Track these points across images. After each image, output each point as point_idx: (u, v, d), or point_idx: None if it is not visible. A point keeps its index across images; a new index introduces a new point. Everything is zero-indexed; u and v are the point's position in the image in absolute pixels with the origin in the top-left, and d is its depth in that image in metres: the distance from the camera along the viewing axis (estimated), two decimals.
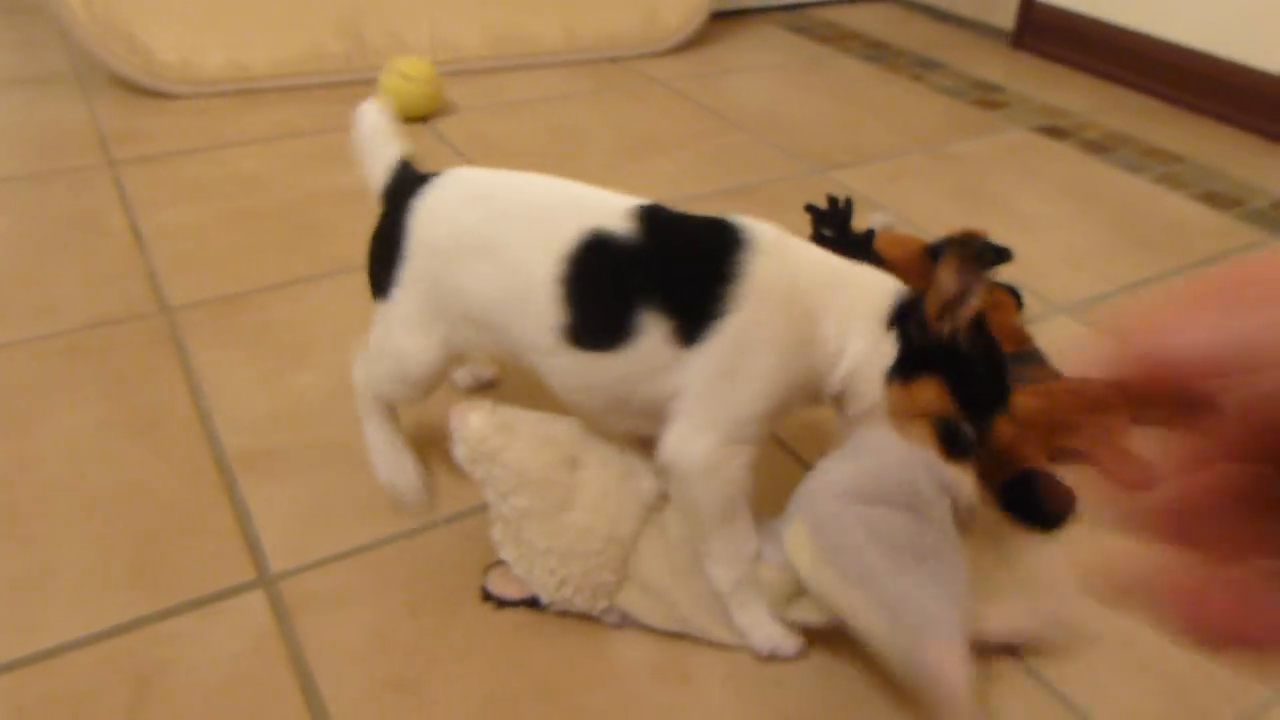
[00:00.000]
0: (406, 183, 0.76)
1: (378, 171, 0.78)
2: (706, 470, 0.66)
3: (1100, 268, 1.24)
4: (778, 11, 2.28)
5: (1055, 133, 1.66)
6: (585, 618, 0.72)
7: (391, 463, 0.81)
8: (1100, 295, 1.18)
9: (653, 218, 0.68)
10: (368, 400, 0.81)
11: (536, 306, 0.67)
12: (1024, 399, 0.91)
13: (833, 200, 1.02)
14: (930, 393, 0.66)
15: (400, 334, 0.74)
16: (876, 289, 0.69)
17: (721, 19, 2.12)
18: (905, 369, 0.66)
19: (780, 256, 0.67)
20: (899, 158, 1.53)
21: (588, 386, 0.69)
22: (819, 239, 1.01)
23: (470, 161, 1.43)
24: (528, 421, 0.70)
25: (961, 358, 0.66)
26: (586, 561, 0.68)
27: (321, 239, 1.21)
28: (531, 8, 1.81)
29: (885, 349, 0.67)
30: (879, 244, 1.02)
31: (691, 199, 1.35)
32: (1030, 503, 0.83)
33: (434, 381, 0.77)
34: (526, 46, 1.81)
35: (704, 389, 0.65)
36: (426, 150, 1.46)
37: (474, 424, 0.68)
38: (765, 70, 1.90)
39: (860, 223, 1.04)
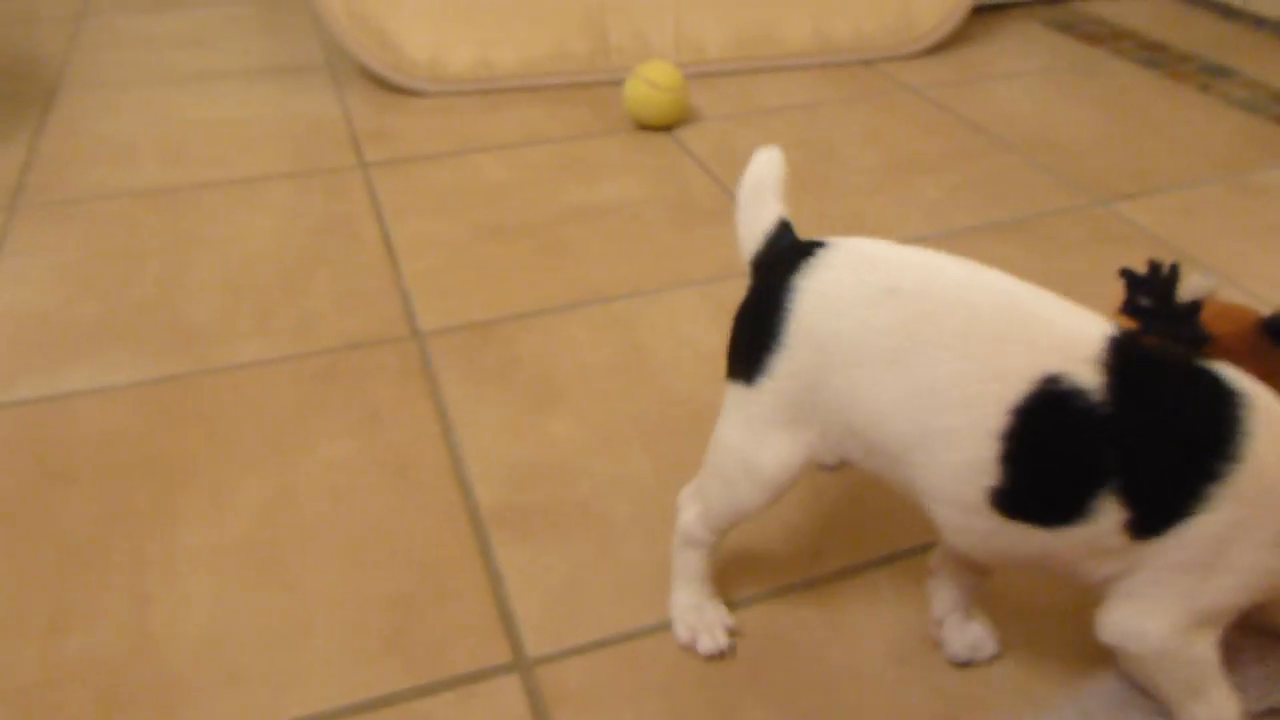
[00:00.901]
0: (788, 253, 0.64)
1: (753, 233, 0.67)
2: (1167, 654, 0.56)
3: None
4: (1039, 6, 2.09)
5: None
6: None
7: (697, 624, 0.71)
8: None
9: (1124, 363, 0.54)
10: (689, 536, 0.70)
11: (964, 456, 0.55)
12: None
13: (1154, 266, 0.89)
14: None
15: (759, 429, 0.63)
16: None
17: (976, 15, 1.96)
18: None
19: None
20: (1191, 188, 1.36)
21: (1004, 550, 0.58)
22: (1132, 310, 0.89)
23: (715, 175, 1.36)
24: None
25: None
26: None
27: (570, 261, 1.18)
28: (781, 5, 1.71)
29: None
30: (1208, 318, 0.88)
31: (960, 234, 1.24)
32: None
33: (782, 490, 0.65)
34: (774, 48, 1.72)
35: (1164, 577, 0.55)
36: (669, 163, 1.41)
37: None
38: (1028, 76, 1.74)
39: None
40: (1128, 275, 0.91)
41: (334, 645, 0.72)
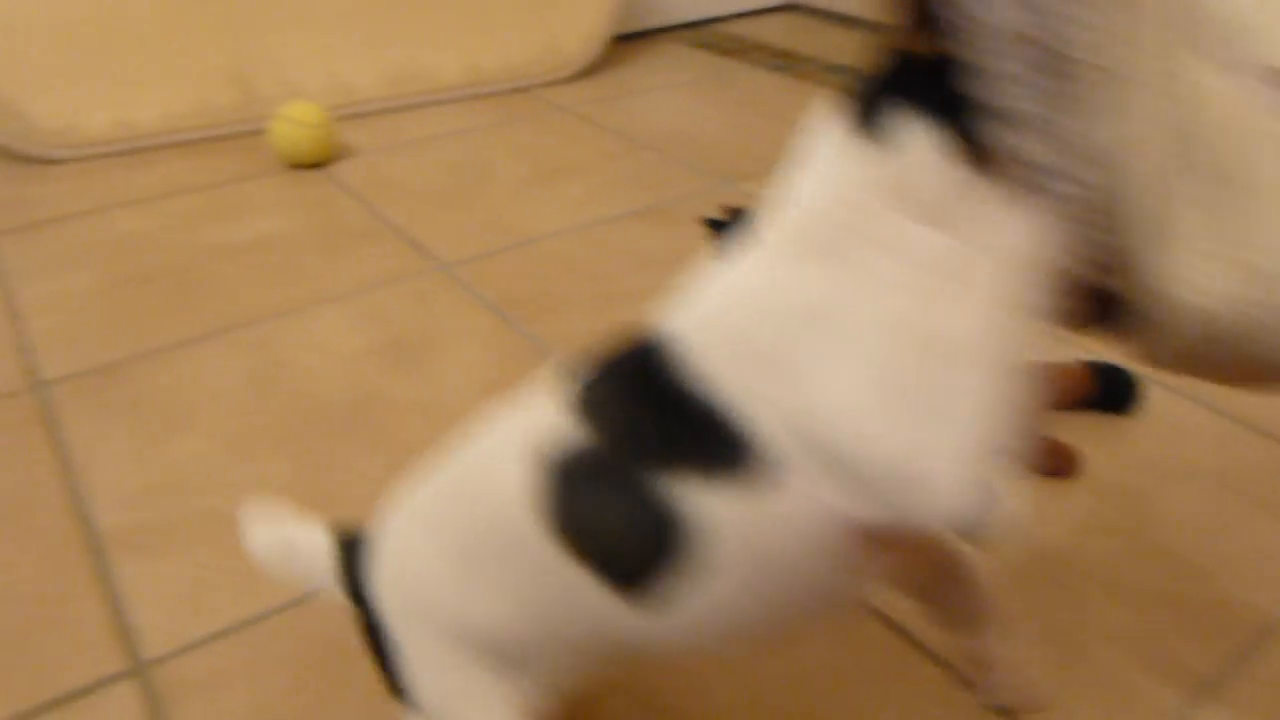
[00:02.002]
0: (352, 565, 0.56)
1: (324, 573, 0.57)
2: None
3: None
4: (682, 29, 2.26)
5: None
6: None
7: None
8: None
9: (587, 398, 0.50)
10: None
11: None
12: None
13: (732, 210, 0.99)
14: None
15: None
16: None
17: (626, 40, 2.10)
18: None
19: None
20: None
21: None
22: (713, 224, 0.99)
23: (367, 201, 1.38)
24: None
25: None
26: None
27: (210, 297, 1.16)
28: (429, 43, 1.77)
29: None
30: None
31: (602, 222, 1.32)
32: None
33: None
34: (426, 84, 1.77)
35: None
36: (321, 196, 1.41)
37: None
38: (671, 89, 1.87)
39: None
40: (711, 223, 1.00)
41: None
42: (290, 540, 0.58)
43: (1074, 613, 0.72)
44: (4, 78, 1.51)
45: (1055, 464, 0.85)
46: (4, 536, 0.81)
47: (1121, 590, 0.73)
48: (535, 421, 0.50)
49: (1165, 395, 0.95)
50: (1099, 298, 0.48)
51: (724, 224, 0.99)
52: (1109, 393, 0.92)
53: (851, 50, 2.09)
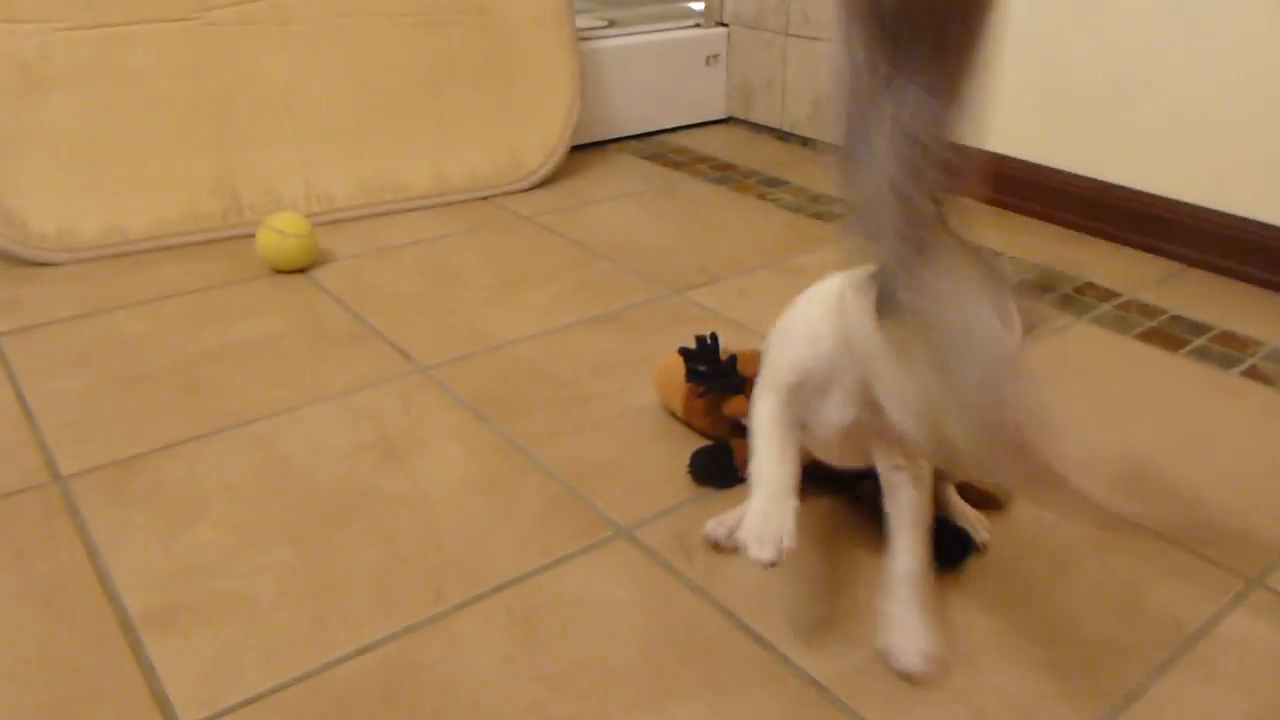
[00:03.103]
0: None
1: None
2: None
3: None
4: (631, 140, 2.45)
5: None
6: None
7: (759, 530, 0.80)
8: None
9: None
10: (763, 419, 0.89)
11: None
12: None
13: (700, 339, 1.14)
14: None
15: None
16: None
17: (581, 150, 2.28)
18: None
19: None
20: (747, 274, 1.68)
21: None
22: (693, 377, 1.13)
23: (348, 306, 1.51)
24: None
25: None
26: None
27: (211, 396, 1.27)
28: (401, 154, 1.92)
29: None
30: (740, 364, 1.14)
31: (564, 328, 1.46)
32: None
33: None
34: (398, 193, 1.92)
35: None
36: (305, 300, 1.54)
37: None
38: (623, 199, 2.04)
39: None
40: (684, 352, 1.16)
41: None
42: None
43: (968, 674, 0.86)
44: (3, 188, 1.63)
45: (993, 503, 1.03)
46: (43, 617, 0.91)
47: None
48: None
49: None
50: None
51: (696, 353, 1.13)
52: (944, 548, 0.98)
53: (787, 163, 2.29)
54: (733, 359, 1.15)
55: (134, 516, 1.05)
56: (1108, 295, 1.60)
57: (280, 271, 1.63)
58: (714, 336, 1.17)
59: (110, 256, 1.69)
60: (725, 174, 2.22)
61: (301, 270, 1.64)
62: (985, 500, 1.05)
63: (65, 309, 1.51)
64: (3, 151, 1.63)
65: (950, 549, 0.97)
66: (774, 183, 2.16)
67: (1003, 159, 1.98)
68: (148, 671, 0.85)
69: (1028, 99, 1.91)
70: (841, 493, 1.09)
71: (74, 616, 0.91)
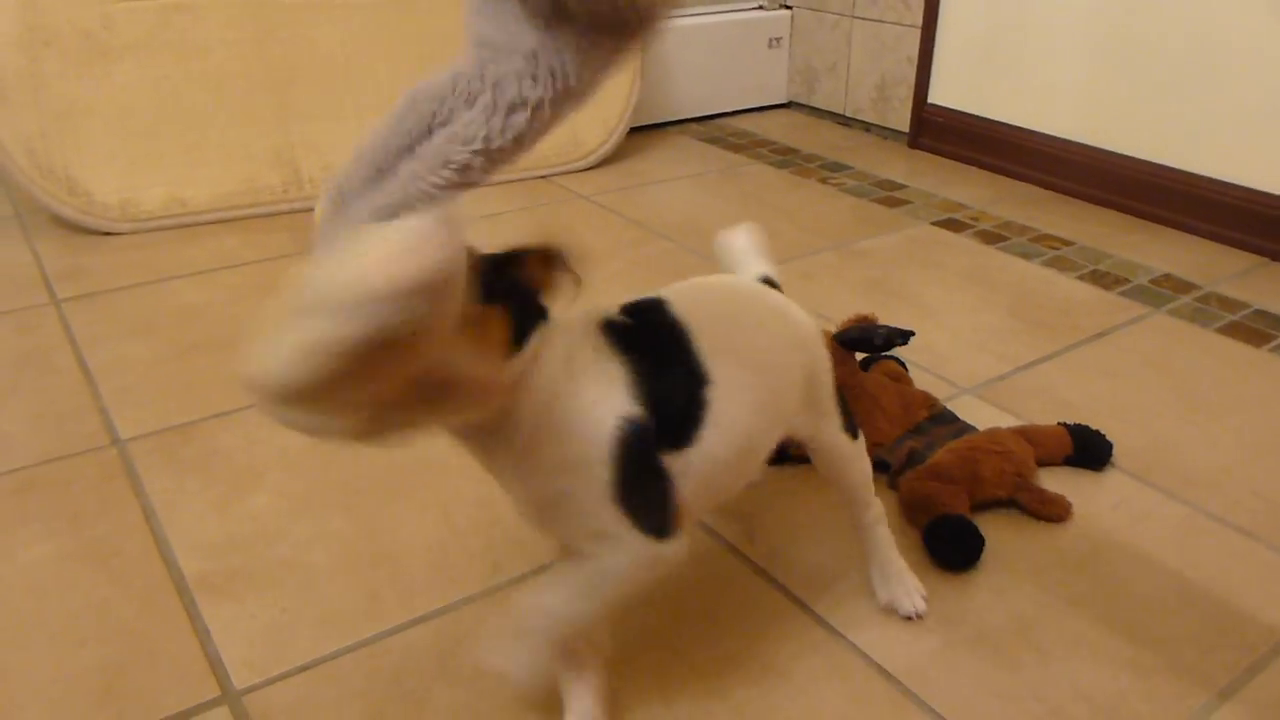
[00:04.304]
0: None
1: None
2: None
3: (1001, 349, 1.34)
4: (691, 123, 2.41)
5: (953, 225, 1.79)
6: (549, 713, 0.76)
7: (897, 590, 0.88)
8: (1002, 375, 1.27)
9: None
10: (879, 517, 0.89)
11: None
12: (945, 456, 1.01)
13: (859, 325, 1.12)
14: None
15: None
16: None
17: (639, 133, 2.25)
18: None
19: None
20: (811, 256, 1.64)
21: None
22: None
23: None
24: None
25: None
26: None
27: None
28: None
29: None
30: None
31: None
32: (946, 544, 0.93)
33: None
34: None
35: None
36: None
37: None
38: (682, 180, 2.01)
39: None
40: (838, 338, 1.12)
41: (45, 714, 0.76)
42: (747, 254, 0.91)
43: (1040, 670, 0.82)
44: (69, 157, 1.64)
45: (1051, 510, 0.99)
46: (100, 578, 0.90)
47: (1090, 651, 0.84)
48: None
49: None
50: None
51: (855, 339, 1.10)
52: (1085, 452, 1.07)
53: (850, 148, 2.24)
54: None
55: (190, 482, 1.04)
56: (1185, 287, 1.54)
57: None
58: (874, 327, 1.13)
59: (171, 227, 1.69)
60: (787, 158, 2.17)
61: None
62: (1047, 510, 0.99)
63: (127, 277, 1.52)
64: (69, 121, 1.64)
65: (958, 547, 0.93)
66: (837, 167, 2.12)
67: (1073, 144, 1.92)
68: (203, 635, 0.84)
69: (1103, 82, 1.85)
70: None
71: (130, 579, 0.91)
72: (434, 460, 1.07)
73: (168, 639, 0.84)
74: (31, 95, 1.61)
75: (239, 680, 0.80)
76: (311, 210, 1.63)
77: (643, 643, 0.84)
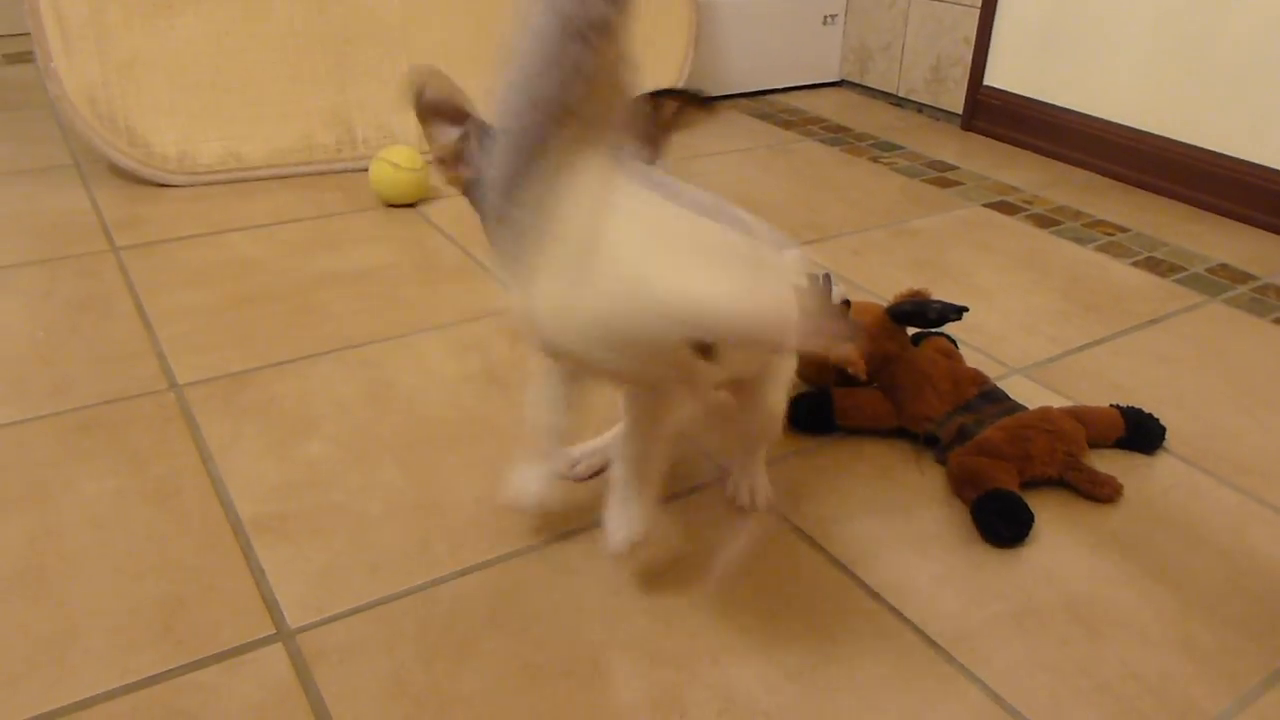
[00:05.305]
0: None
1: None
2: None
3: (1052, 332, 1.33)
4: (742, 99, 2.40)
5: (1006, 208, 1.77)
6: (588, 670, 0.77)
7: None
8: (1053, 357, 1.26)
9: None
10: None
11: None
12: (995, 433, 1.00)
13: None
14: None
15: None
16: None
17: None
18: None
19: None
20: (861, 234, 1.63)
21: None
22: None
23: (456, 241, 1.51)
24: None
25: None
26: None
27: (322, 319, 1.28)
28: None
29: None
30: (854, 313, 1.10)
31: None
32: (995, 519, 0.93)
33: None
34: None
35: None
36: (415, 234, 1.54)
37: None
38: (732, 154, 2.00)
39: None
40: (893, 312, 1.12)
41: (105, 643, 0.78)
42: None
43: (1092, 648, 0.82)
44: (129, 108, 1.66)
45: (1101, 491, 0.98)
46: (158, 516, 0.92)
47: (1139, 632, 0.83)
48: None
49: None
50: None
51: (909, 313, 1.10)
52: (1137, 434, 1.07)
53: (902, 128, 2.22)
54: (846, 303, 1.11)
55: (246, 427, 1.06)
56: (1243, 277, 1.52)
57: (391, 205, 1.64)
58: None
59: (226, 181, 1.71)
60: (838, 136, 2.16)
61: (411, 205, 1.64)
62: (1097, 490, 0.99)
63: (184, 228, 1.54)
64: (131, 71, 1.66)
65: (1009, 522, 0.93)
66: (888, 147, 2.10)
67: (1131, 131, 1.89)
68: (258, 575, 0.86)
69: (1165, 68, 1.82)
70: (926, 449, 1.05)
71: (188, 518, 0.92)
72: (482, 417, 1.08)
73: (224, 577, 0.85)
74: (95, 45, 1.63)
75: (293, 619, 0.81)
76: (364, 170, 1.65)
77: (694, 609, 0.84)
